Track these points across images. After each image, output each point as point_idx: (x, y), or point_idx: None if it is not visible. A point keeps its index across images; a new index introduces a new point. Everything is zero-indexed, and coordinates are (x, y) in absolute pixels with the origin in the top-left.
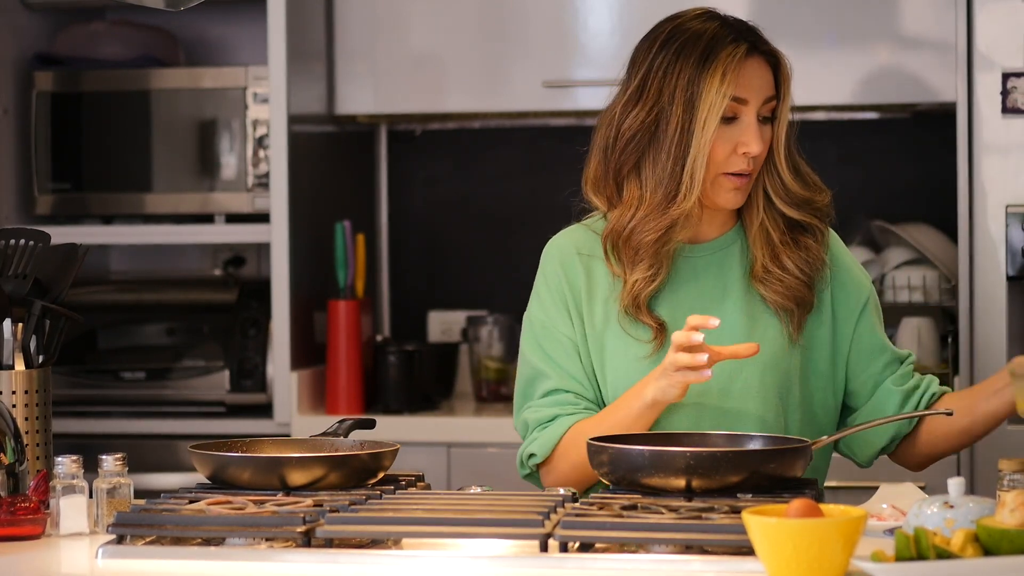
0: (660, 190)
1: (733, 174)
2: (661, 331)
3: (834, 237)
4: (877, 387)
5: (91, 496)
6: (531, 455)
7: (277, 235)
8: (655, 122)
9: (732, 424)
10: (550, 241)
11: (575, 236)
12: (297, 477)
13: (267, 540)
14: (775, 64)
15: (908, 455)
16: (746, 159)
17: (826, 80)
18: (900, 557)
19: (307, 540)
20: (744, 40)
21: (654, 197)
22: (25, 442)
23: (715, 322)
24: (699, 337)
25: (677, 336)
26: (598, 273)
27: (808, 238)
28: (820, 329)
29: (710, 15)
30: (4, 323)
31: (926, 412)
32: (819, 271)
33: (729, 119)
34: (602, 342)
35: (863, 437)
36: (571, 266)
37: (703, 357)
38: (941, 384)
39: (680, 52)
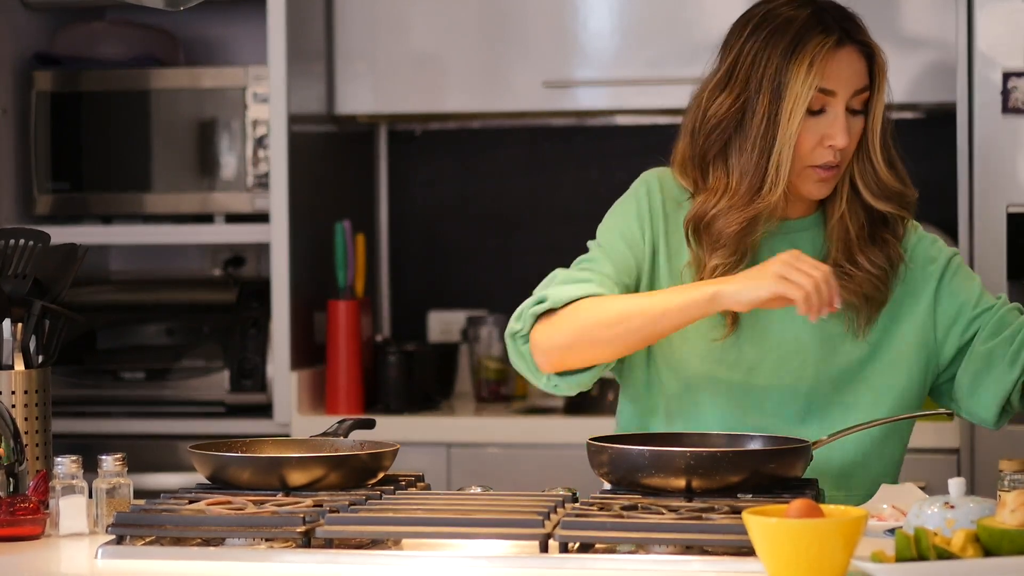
0: (745, 181)
1: (819, 167)
2: (735, 318)
3: (912, 230)
4: (967, 348)
5: (91, 496)
6: (540, 301)
7: (277, 235)
8: (741, 110)
9: (775, 413)
10: (649, 172)
11: (672, 181)
12: (297, 477)
13: (267, 540)
14: (869, 55)
15: None
16: (832, 152)
17: None
18: (900, 557)
19: (307, 540)
20: (836, 30)
21: (739, 187)
22: (25, 442)
23: (838, 304)
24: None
25: (826, 268)
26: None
27: (887, 233)
28: (892, 324)
29: (804, 0)
30: (4, 323)
31: (924, 413)
32: (895, 266)
33: (816, 111)
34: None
35: (978, 396)
36: (659, 204)
37: (837, 303)
38: None
39: (769, 39)
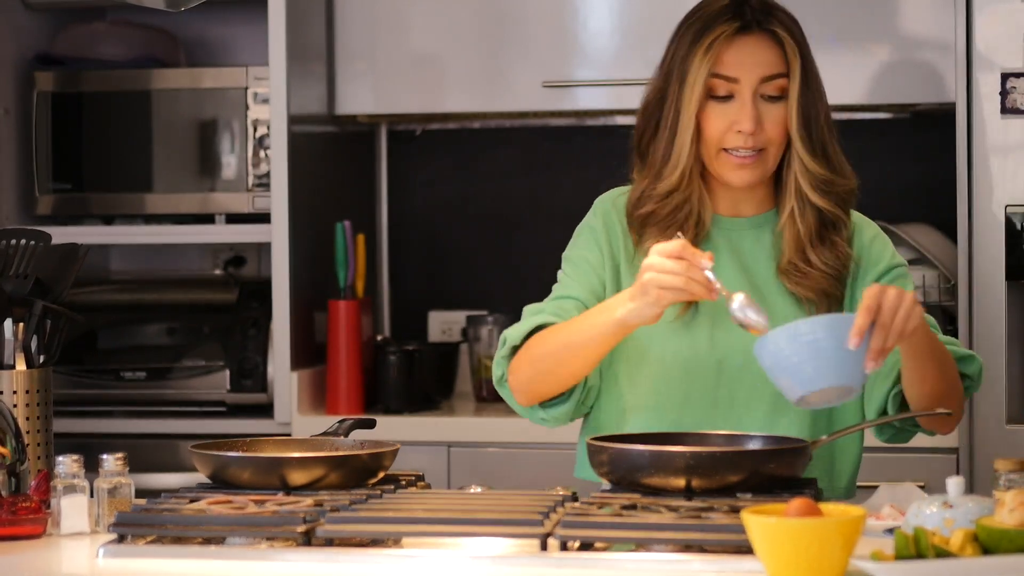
0: (657, 162)
1: (731, 150)
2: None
3: (861, 226)
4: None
5: (92, 496)
6: (503, 341)
7: (277, 235)
8: (661, 98)
9: (741, 413)
10: (602, 196)
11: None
12: (297, 477)
13: (267, 540)
14: (781, 42)
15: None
16: (742, 136)
17: (825, 80)
18: (899, 557)
19: (307, 540)
20: (744, 18)
21: (652, 168)
22: (26, 442)
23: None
24: (707, 265)
25: (663, 247)
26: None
27: (835, 235)
28: None
29: None
30: (5, 323)
31: (924, 413)
32: (846, 266)
33: (724, 97)
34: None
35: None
36: (615, 222)
37: (707, 263)
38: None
39: (686, 29)
